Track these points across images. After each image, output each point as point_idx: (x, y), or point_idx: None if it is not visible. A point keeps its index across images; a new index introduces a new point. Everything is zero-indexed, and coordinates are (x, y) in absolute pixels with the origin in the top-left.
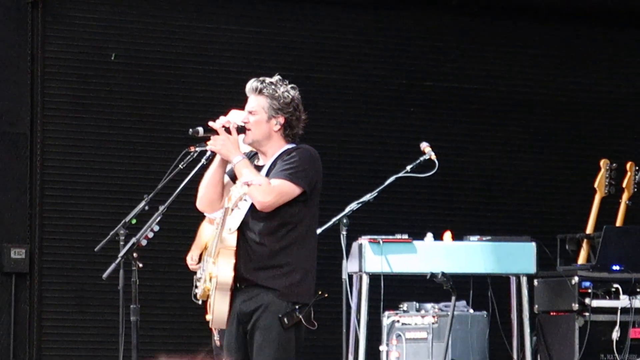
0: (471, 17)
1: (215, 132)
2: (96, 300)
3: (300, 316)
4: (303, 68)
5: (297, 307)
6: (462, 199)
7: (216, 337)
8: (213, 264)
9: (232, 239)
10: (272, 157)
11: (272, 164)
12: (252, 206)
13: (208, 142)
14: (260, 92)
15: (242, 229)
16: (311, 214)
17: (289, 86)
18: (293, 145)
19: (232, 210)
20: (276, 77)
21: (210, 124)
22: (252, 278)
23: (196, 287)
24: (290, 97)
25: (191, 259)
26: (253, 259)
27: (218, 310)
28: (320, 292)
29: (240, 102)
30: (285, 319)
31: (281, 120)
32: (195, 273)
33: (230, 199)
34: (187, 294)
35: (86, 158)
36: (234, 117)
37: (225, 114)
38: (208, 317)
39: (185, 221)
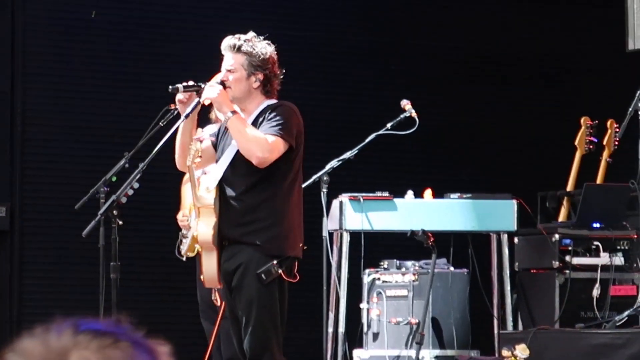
0: None
1: (196, 90)
2: (76, 258)
3: (280, 270)
4: (280, 25)
5: (275, 261)
6: (443, 156)
7: (214, 296)
8: (195, 223)
9: (209, 197)
10: (254, 114)
11: (254, 120)
12: (232, 162)
13: (202, 92)
14: (238, 49)
15: (221, 186)
16: (295, 168)
17: (265, 42)
18: (274, 101)
19: (191, 166)
20: (251, 34)
21: (211, 83)
22: (233, 235)
23: (181, 242)
24: (268, 53)
25: (183, 215)
26: (233, 216)
27: (206, 270)
28: (301, 245)
29: (218, 58)
30: (263, 275)
31: (260, 76)
32: (180, 230)
33: (189, 154)
34: (167, 252)
35: (67, 116)
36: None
37: (209, 78)
38: (202, 276)
39: (165, 179)
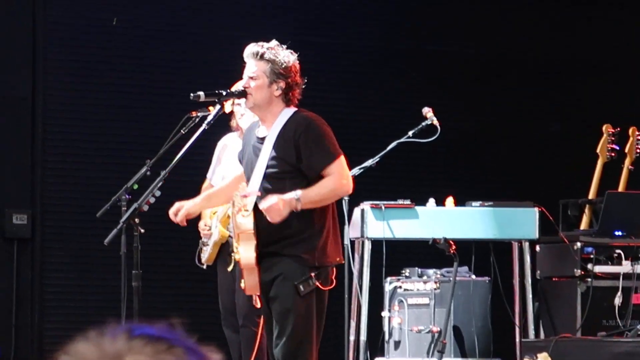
0: None
1: (217, 98)
2: (98, 266)
3: (317, 282)
4: (302, 32)
5: (312, 274)
6: (464, 164)
7: (254, 301)
8: (236, 249)
9: (248, 222)
10: (276, 126)
11: (278, 135)
12: (264, 180)
13: (264, 210)
14: (261, 57)
15: (256, 207)
16: None
17: (288, 51)
18: (293, 110)
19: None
20: (274, 42)
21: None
22: (272, 250)
23: (202, 250)
24: (290, 61)
25: (205, 225)
26: (271, 233)
27: (248, 281)
28: (338, 258)
29: (240, 65)
30: (301, 286)
31: (282, 84)
32: (201, 238)
33: (234, 205)
34: (189, 259)
35: (88, 123)
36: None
37: (231, 85)
38: (242, 284)
39: (186, 186)
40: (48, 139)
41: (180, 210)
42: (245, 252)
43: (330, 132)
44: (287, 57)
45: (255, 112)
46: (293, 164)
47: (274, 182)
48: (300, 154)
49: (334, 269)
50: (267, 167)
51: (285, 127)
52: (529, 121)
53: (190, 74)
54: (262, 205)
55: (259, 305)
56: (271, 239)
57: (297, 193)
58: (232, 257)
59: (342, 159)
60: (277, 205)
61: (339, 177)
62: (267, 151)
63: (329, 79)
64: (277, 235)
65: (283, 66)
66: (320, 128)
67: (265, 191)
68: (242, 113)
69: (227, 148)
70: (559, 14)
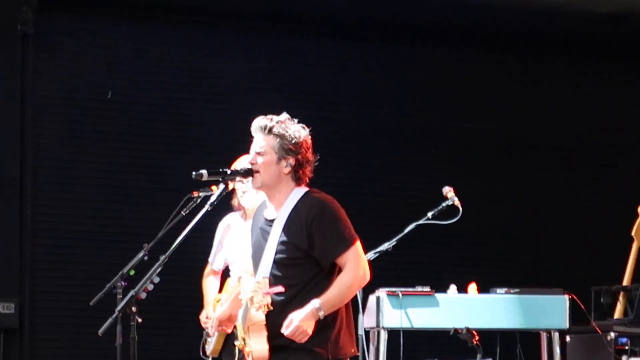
0: (495, 53)
1: (221, 177)
2: (92, 359)
3: None
4: (314, 106)
5: None
6: (489, 248)
7: None
8: (243, 341)
9: (259, 315)
10: (286, 208)
11: (288, 218)
12: (273, 269)
13: (290, 336)
14: (269, 131)
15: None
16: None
17: (299, 125)
18: (305, 191)
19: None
20: (284, 115)
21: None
22: (281, 343)
23: (206, 342)
24: (301, 137)
25: (206, 317)
26: (281, 325)
27: (257, 349)
28: (353, 350)
29: (245, 142)
30: None
31: (292, 161)
32: (204, 329)
33: (252, 301)
34: (191, 351)
35: (80, 204)
36: (242, 162)
37: (232, 162)
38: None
39: (188, 272)
40: (37, 221)
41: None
42: (258, 345)
43: (345, 215)
44: (298, 131)
45: (264, 191)
46: (305, 251)
47: (283, 269)
48: (313, 241)
49: None
50: (277, 252)
51: (296, 210)
52: (557, 202)
53: (190, 151)
54: (286, 332)
55: None
56: (281, 330)
57: (316, 303)
58: (237, 348)
59: (357, 245)
60: (301, 328)
61: (356, 268)
62: (276, 235)
63: (341, 157)
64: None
65: (293, 141)
66: (335, 212)
67: (274, 279)
68: (243, 190)
69: (230, 229)
70: (588, 95)
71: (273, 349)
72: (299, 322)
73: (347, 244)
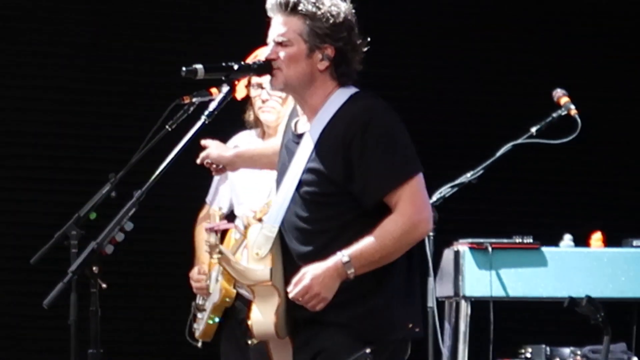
0: None
1: (224, 74)
2: (35, 341)
3: None
4: None
5: (368, 350)
6: (618, 181)
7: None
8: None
9: (263, 269)
10: (321, 118)
11: (322, 134)
12: (293, 206)
13: (295, 299)
14: (293, 9)
15: (281, 239)
16: None
17: None
18: (351, 92)
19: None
20: None
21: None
22: (307, 315)
23: (195, 319)
24: (341, 14)
25: (199, 273)
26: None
27: (257, 319)
28: (411, 325)
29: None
30: None
31: (329, 51)
32: (195, 297)
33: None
34: (173, 331)
35: (17, 117)
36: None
37: (246, 55)
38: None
39: (175, 215)
40: None
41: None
42: (261, 316)
43: (403, 132)
44: (337, 6)
45: (290, 94)
46: (340, 184)
47: (310, 208)
48: (352, 170)
49: (407, 344)
50: (300, 183)
51: (334, 122)
52: None
53: (182, 38)
54: (292, 293)
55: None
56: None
57: (344, 255)
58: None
59: (417, 180)
60: (314, 289)
61: (410, 210)
62: (302, 158)
63: (400, 53)
64: None
65: (330, 22)
66: (388, 127)
67: (299, 220)
68: (263, 99)
69: None
70: None
71: (296, 324)
72: (311, 280)
73: (402, 177)
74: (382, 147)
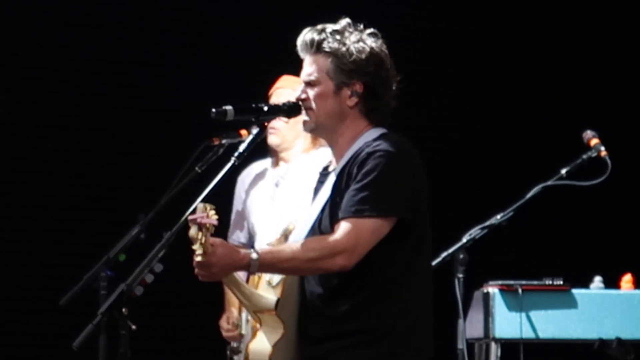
0: None
1: (254, 116)
2: None
3: None
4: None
5: None
6: None
7: None
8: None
9: (268, 299)
10: (345, 158)
11: (340, 171)
12: (312, 234)
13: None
14: (318, 48)
15: (300, 282)
16: (411, 246)
17: (366, 32)
18: (379, 132)
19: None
20: (344, 22)
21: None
22: (315, 352)
23: None
24: (367, 48)
25: (227, 323)
26: (317, 322)
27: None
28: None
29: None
30: None
31: (357, 87)
32: (228, 343)
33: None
34: None
35: (48, 159)
36: (284, 94)
37: (270, 85)
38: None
39: None
40: None
41: None
42: (259, 343)
43: (398, 174)
44: (363, 41)
45: (322, 136)
46: None
47: None
48: None
49: None
50: (319, 220)
51: (353, 159)
52: None
53: (208, 77)
54: (197, 257)
55: None
56: (313, 334)
57: (254, 252)
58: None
59: (370, 222)
60: (212, 268)
61: (337, 243)
62: (323, 197)
63: (429, 91)
64: (326, 328)
65: (355, 57)
66: (380, 164)
67: None
68: (274, 126)
69: (256, 185)
70: None
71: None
72: (216, 260)
73: (357, 211)
74: (364, 181)
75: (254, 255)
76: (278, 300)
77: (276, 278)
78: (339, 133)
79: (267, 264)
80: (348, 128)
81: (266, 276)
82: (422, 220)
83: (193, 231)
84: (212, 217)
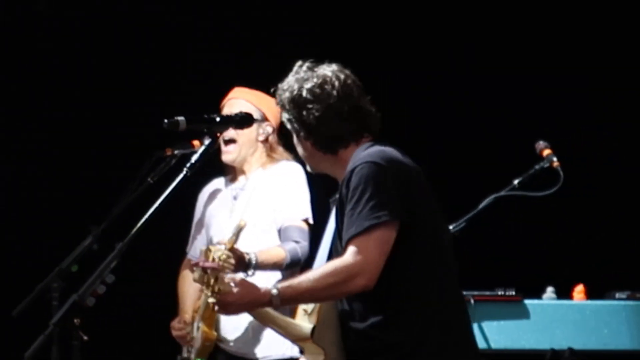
0: None
1: (206, 126)
2: None
3: None
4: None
5: None
6: (600, 234)
7: None
8: None
9: (303, 328)
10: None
11: (338, 195)
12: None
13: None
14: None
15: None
16: (423, 250)
17: (303, 67)
18: (363, 150)
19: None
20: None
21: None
22: None
23: None
24: (296, 88)
25: (179, 322)
26: (354, 341)
27: None
28: None
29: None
30: None
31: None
32: (179, 353)
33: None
34: None
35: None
36: (237, 104)
37: (223, 97)
38: None
39: (159, 267)
40: None
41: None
42: None
43: (380, 180)
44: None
45: (328, 169)
46: None
47: None
48: None
49: None
50: (334, 248)
51: (342, 181)
52: None
53: (160, 91)
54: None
55: None
56: (356, 347)
57: (275, 288)
58: None
59: (372, 233)
60: (231, 307)
61: (351, 264)
62: (333, 222)
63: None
64: (360, 341)
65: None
66: (362, 178)
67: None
68: (227, 139)
69: (214, 200)
70: None
71: None
72: (237, 299)
73: (357, 229)
74: (354, 198)
75: (274, 291)
76: (314, 328)
77: (311, 305)
78: (337, 165)
79: (289, 297)
80: (341, 158)
81: (302, 305)
82: (423, 220)
83: (196, 275)
84: (217, 260)
